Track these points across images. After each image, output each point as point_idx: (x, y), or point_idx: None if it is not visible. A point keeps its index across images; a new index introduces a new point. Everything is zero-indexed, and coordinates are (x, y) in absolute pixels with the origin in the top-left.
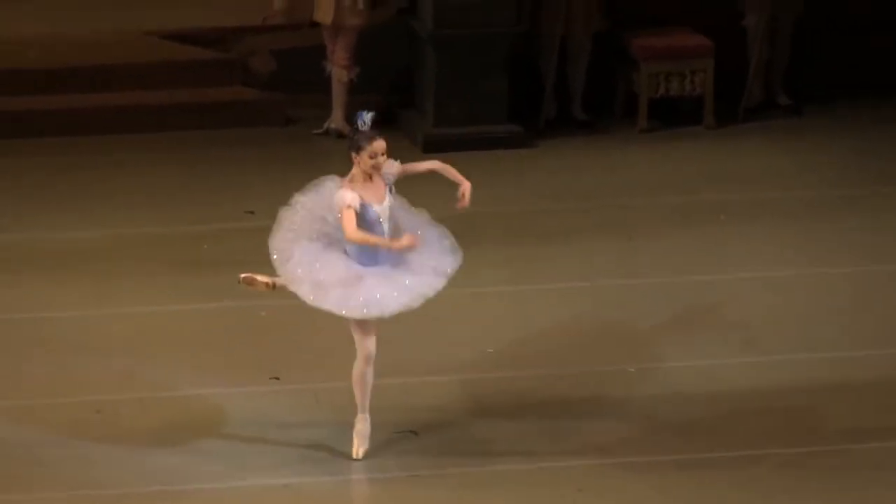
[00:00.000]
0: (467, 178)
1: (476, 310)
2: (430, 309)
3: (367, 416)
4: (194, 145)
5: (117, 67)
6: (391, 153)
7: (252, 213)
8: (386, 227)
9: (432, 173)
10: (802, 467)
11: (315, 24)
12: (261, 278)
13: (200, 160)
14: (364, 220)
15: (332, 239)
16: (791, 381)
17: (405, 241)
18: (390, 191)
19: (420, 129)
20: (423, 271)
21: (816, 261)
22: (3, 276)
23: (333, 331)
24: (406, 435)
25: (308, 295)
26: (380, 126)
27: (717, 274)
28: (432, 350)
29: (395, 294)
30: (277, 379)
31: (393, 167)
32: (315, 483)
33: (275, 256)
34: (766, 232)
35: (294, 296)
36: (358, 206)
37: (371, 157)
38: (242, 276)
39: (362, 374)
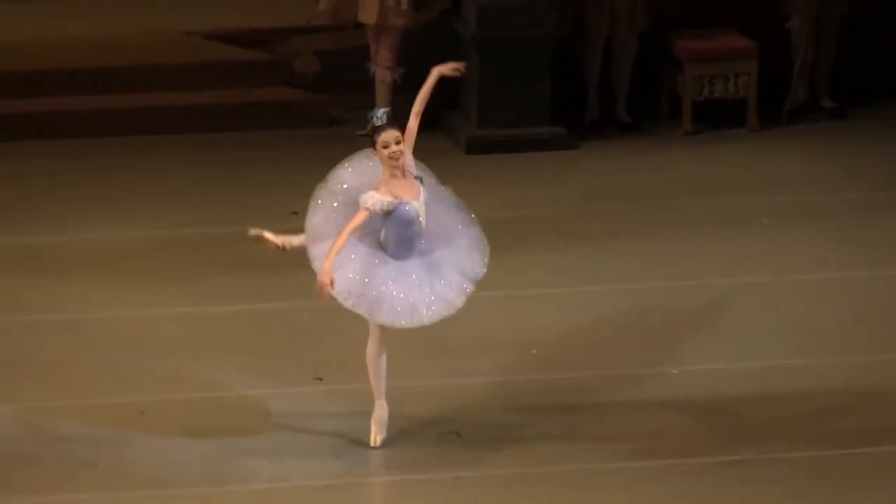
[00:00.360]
0: (509, 180)
1: (520, 311)
2: (473, 310)
3: (384, 402)
4: (238, 146)
5: (160, 68)
6: (435, 155)
7: (296, 213)
8: (424, 221)
9: (432, 89)
10: (849, 469)
11: (359, 25)
12: (271, 237)
13: (244, 161)
14: (400, 219)
15: (367, 230)
16: (839, 383)
17: (325, 276)
18: (421, 181)
19: (463, 130)
20: (451, 279)
21: (860, 264)
22: (46, 277)
23: None
24: (450, 437)
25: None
26: (394, 123)
27: (761, 276)
28: (476, 351)
29: (429, 300)
30: (321, 380)
31: (409, 156)
32: (358, 484)
33: (308, 234)
34: (809, 235)
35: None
36: (385, 208)
37: (384, 147)
38: (252, 231)
39: (375, 357)
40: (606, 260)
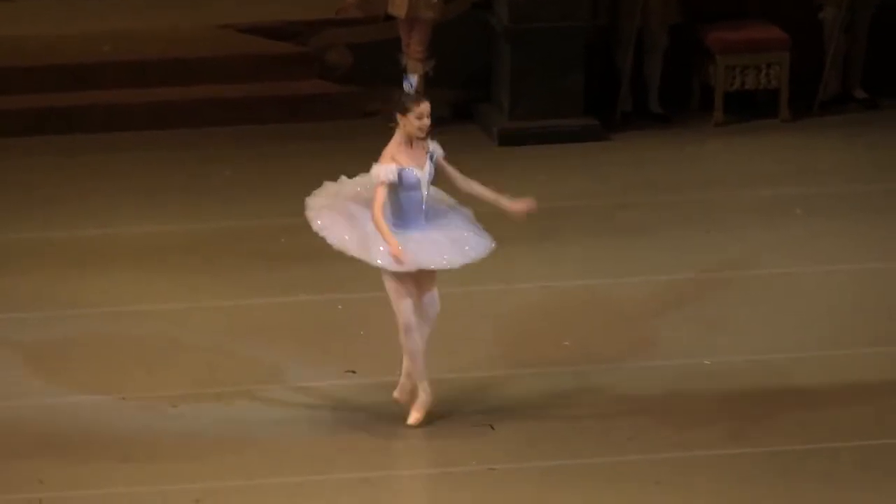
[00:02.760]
0: (542, 172)
1: (552, 303)
2: (506, 302)
3: (426, 384)
4: (271, 139)
5: (194, 61)
6: (467, 147)
7: None
8: (425, 193)
9: (468, 194)
10: (884, 461)
11: (390, 18)
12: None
13: (277, 154)
14: (403, 183)
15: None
16: (874, 375)
17: (393, 247)
18: (431, 158)
19: (496, 122)
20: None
21: (894, 254)
22: (89, 270)
23: None
24: (483, 429)
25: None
26: (424, 93)
27: (795, 267)
28: (509, 343)
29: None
30: (354, 372)
31: (438, 150)
32: (392, 476)
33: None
34: (842, 225)
35: (370, 287)
36: (395, 177)
37: (418, 119)
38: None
39: (408, 344)
40: (640, 251)
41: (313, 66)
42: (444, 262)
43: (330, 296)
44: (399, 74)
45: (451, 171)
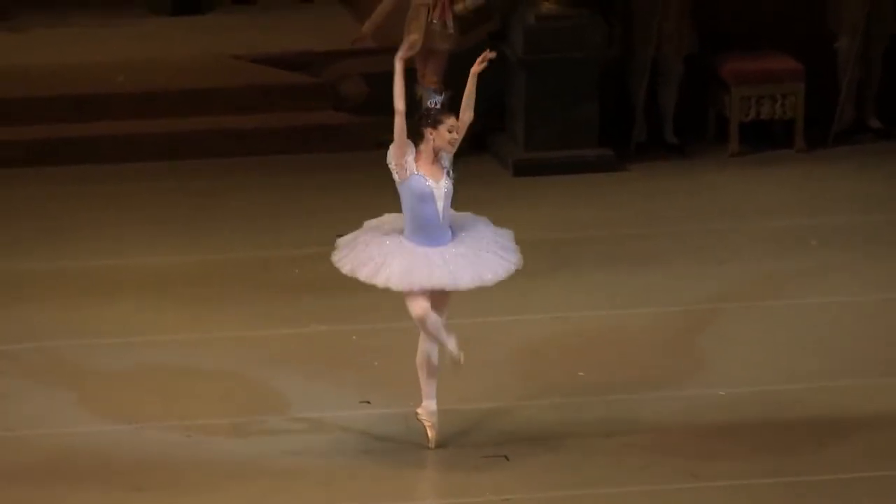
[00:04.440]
0: (557, 202)
1: (566, 333)
2: (521, 332)
3: (433, 402)
4: (285, 170)
5: (207, 92)
6: (482, 177)
7: (341, 235)
8: (440, 206)
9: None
10: None
11: None
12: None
13: (291, 185)
14: (415, 191)
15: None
16: (889, 405)
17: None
18: (448, 174)
19: (511, 152)
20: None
21: None
22: (100, 300)
23: None
24: (498, 459)
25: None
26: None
27: (810, 298)
28: (524, 374)
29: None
30: (368, 402)
31: (446, 162)
32: None
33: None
34: (858, 256)
35: (384, 318)
36: (407, 163)
37: (449, 132)
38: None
39: (424, 356)
40: (654, 281)
41: (327, 97)
42: (458, 282)
43: (344, 326)
44: (415, 105)
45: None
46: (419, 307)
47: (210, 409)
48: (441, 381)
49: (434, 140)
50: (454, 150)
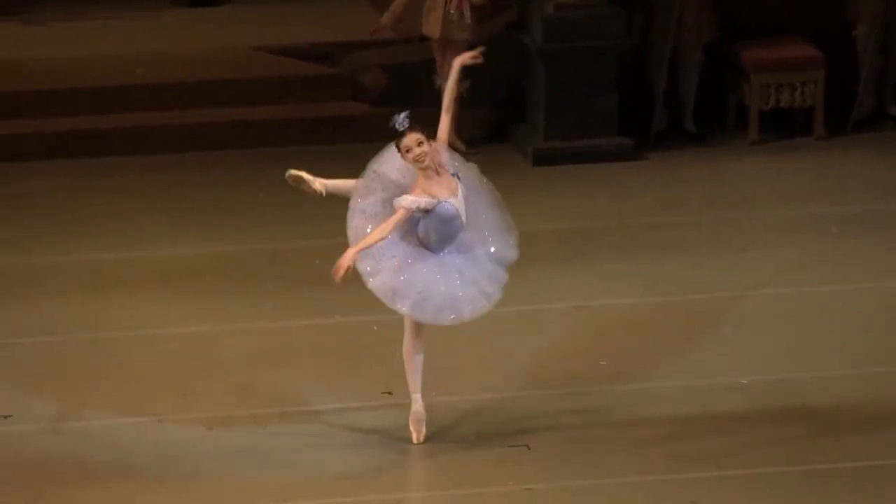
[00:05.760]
0: (577, 191)
1: (588, 322)
2: (542, 321)
3: (420, 396)
4: (304, 161)
5: (226, 83)
6: (502, 167)
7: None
8: (464, 217)
9: (457, 83)
10: None
11: (424, 39)
12: (309, 179)
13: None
14: (440, 217)
15: (406, 226)
16: None
17: (343, 260)
18: (457, 177)
19: (530, 142)
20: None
21: None
22: (119, 292)
23: (445, 345)
24: (519, 448)
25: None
26: (415, 126)
27: (830, 285)
28: (545, 363)
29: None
30: (390, 394)
31: (444, 152)
32: (428, 498)
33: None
34: (878, 243)
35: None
36: (426, 206)
37: (407, 152)
38: (291, 172)
39: (412, 353)
40: (675, 270)
41: (346, 88)
42: (455, 317)
43: (365, 317)
44: (434, 95)
45: (443, 119)
46: (412, 343)
47: (231, 402)
48: (462, 371)
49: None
50: (426, 166)
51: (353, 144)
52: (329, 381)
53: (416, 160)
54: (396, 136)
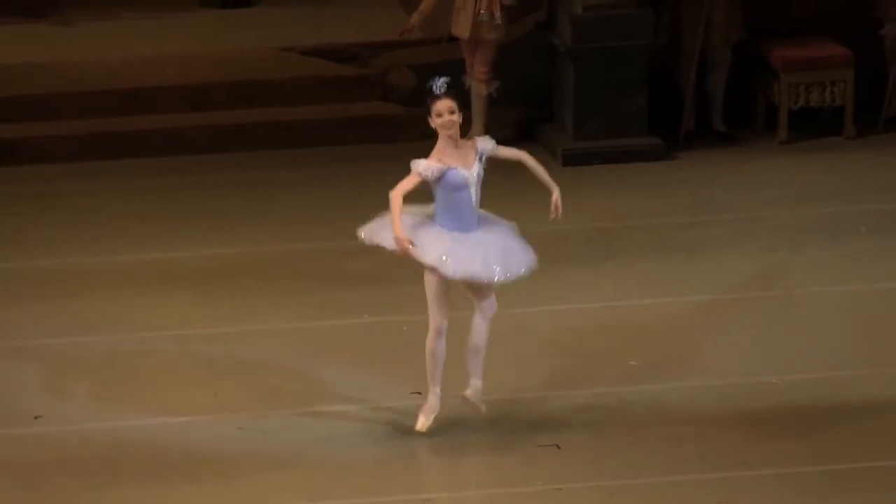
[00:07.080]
0: (606, 191)
1: (617, 322)
2: (573, 321)
3: (438, 390)
4: (334, 161)
5: (256, 84)
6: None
7: None
8: (473, 192)
9: (518, 163)
10: None
11: (453, 39)
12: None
13: (340, 176)
14: (449, 184)
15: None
16: None
17: (403, 240)
18: (480, 160)
19: (559, 142)
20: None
21: None
22: (151, 292)
23: None
24: (549, 448)
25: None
26: (450, 91)
27: (860, 284)
28: (574, 363)
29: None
30: (419, 394)
31: (488, 143)
32: (457, 498)
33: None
34: None
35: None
36: (434, 173)
37: (438, 116)
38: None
39: (432, 347)
40: (705, 269)
41: (375, 88)
42: (492, 274)
43: (395, 317)
44: (463, 96)
45: (511, 153)
46: (437, 317)
47: (261, 401)
48: (492, 371)
49: (434, 126)
50: (451, 133)
51: (383, 145)
52: (360, 380)
53: (443, 126)
54: (429, 96)
